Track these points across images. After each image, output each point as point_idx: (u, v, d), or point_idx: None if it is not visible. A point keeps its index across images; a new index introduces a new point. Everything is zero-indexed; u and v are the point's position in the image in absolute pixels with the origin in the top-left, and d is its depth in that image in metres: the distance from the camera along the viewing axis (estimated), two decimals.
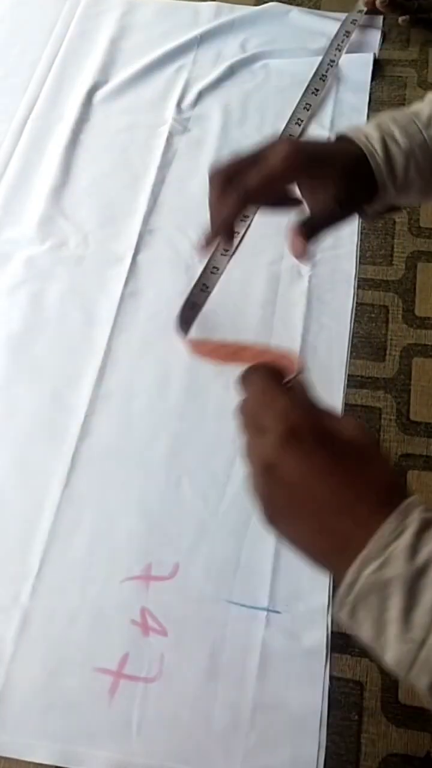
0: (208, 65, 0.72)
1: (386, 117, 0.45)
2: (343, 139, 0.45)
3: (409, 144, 0.44)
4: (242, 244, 0.60)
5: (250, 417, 0.36)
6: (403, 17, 0.72)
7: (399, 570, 0.29)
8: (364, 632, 0.31)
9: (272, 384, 0.37)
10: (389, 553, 0.30)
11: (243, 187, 0.42)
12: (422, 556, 0.29)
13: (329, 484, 0.33)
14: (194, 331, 0.56)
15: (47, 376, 0.54)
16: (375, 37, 0.73)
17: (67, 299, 0.58)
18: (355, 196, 0.45)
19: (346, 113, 0.67)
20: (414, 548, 0.29)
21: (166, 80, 0.72)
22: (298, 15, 0.76)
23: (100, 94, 0.71)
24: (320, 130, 0.66)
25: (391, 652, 0.30)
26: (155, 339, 0.56)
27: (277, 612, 0.44)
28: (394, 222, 0.61)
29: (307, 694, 0.42)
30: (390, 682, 0.43)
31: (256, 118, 0.68)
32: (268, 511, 0.34)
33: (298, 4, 0.77)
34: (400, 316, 0.56)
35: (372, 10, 0.73)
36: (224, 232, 0.44)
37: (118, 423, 0.52)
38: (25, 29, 0.78)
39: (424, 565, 0.29)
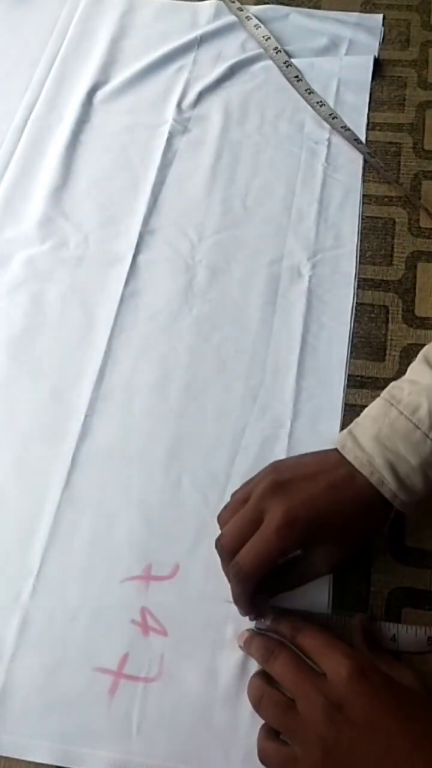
0: (209, 65, 0.72)
1: (386, 428, 0.40)
2: (341, 468, 0.40)
3: (419, 458, 0.39)
4: (240, 244, 0.60)
5: (302, 669, 0.37)
6: None
7: None
8: None
9: (329, 632, 0.39)
10: None
11: (240, 571, 0.40)
12: None
13: (397, 725, 0.34)
14: (192, 331, 0.56)
15: (47, 376, 0.54)
16: (375, 37, 0.73)
17: (67, 299, 0.58)
18: (361, 541, 0.44)
19: (347, 113, 0.67)
20: None
21: (166, 80, 0.72)
22: (297, 17, 0.76)
23: (100, 95, 0.71)
24: (320, 130, 0.66)
25: None
26: (155, 339, 0.56)
27: None
28: (394, 222, 0.61)
29: None
30: None
31: (256, 118, 0.68)
32: (330, 757, 0.34)
33: (298, 4, 0.77)
34: (400, 316, 0.56)
35: None
36: (250, 612, 0.42)
37: (118, 423, 0.52)
38: (25, 29, 0.78)
39: None
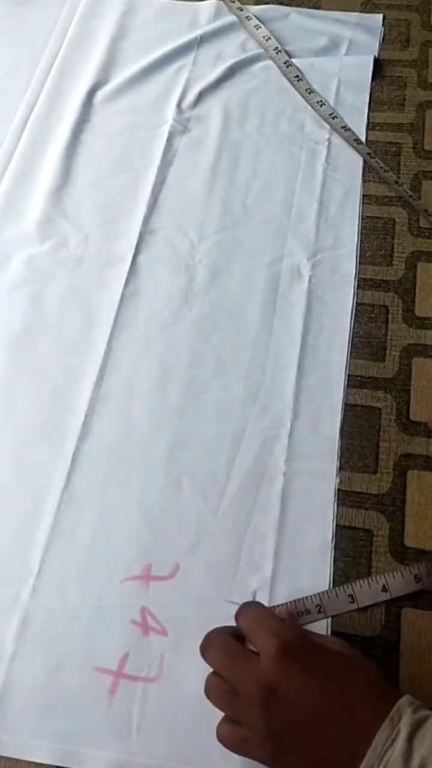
0: (209, 65, 0.72)
1: None
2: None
3: None
4: (240, 245, 0.60)
5: (235, 656, 0.38)
6: None
7: None
8: None
9: (265, 611, 0.40)
10: (386, 761, 0.32)
11: None
12: (416, 760, 0.31)
13: (329, 695, 0.35)
14: (192, 331, 0.56)
15: (47, 377, 0.54)
16: (375, 37, 0.73)
17: (67, 299, 0.58)
18: None
19: (347, 113, 0.67)
20: (408, 754, 0.31)
21: (166, 80, 0.72)
22: (297, 17, 0.76)
23: (100, 95, 0.71)
24: (320, 131, 0.66)
25: None
26: (155, 339, 0.56)
27: None
28: (394, 222, 0.61)
29: None
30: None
31: (256, 118, 0.68)
32: (274, 736, 0.35)
33: (298, 4, 0.77)
34: (400, 316, 0.56)
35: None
36: None
37: (118, 423, 0.52)
38: (25, 29, 0.78)
39: None
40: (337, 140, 0.66)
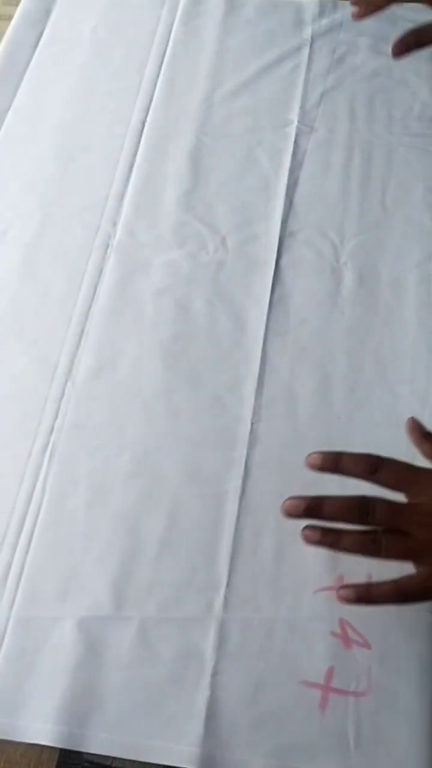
0: (325, 63, 0.71)
1: None
2: None
3: None
4: (384, 246, 0.59)
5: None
6: None
7: None
8: None
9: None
10: None
11: None
12: None
13: None
14: (347, 335, 0.55)
15: (205, 384, 0.53)
16: None
17: (213, 305, 0.57)
18: None
19: None
20: None
21: (282, 80, 0.71)
22: (403, 12, 0.75)
23: (217, 96, 0.70)
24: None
25: None
26: (310, 344, 0.55)
27: None
28: None
29: None
30: None
31: (383, 115, 0.67)
32: None
33: None
34: None
35: None
36: None
37: (284, 430, 0.51)
38: (125, 31, 0.77)
39: None
40: None
